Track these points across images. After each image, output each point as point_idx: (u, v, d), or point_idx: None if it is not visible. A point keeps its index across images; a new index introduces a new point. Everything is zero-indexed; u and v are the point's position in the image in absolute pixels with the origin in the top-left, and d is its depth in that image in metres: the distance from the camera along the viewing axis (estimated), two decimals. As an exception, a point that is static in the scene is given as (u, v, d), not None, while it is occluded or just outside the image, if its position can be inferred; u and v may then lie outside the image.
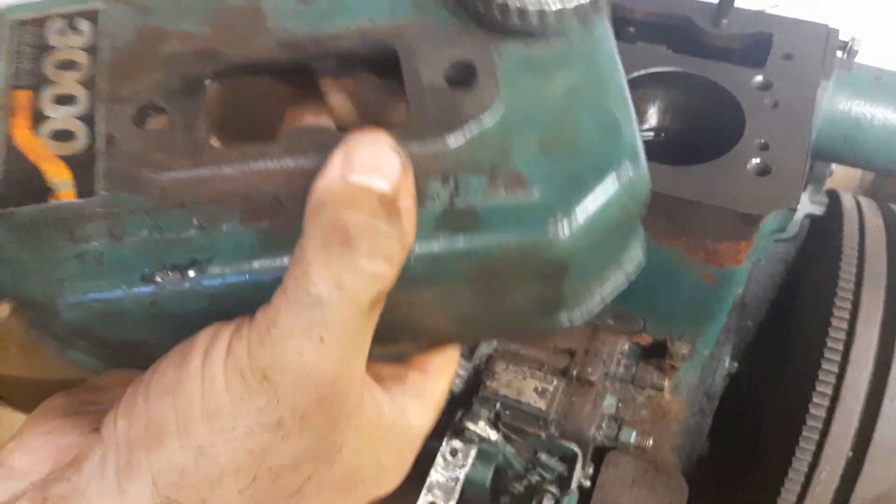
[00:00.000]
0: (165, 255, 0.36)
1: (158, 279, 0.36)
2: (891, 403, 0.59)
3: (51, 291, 0.36)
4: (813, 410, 0.60)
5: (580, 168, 0.36)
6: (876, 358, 0.61)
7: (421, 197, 0.36)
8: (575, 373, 0.59)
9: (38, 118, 0.39)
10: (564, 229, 0.35)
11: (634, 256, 0.44)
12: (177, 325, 0.37)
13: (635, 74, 0.62)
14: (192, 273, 0.36)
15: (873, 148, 0.61)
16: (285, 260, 0.34)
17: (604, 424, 0.59)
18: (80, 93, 0.40)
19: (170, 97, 0.38)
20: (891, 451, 0.59)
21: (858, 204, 0.71)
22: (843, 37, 0.65)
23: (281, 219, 0.35)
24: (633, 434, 0.59)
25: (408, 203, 0.35)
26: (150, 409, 0.35)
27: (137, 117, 0.38)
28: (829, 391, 0.60)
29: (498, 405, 0.58)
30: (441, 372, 0.44)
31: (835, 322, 0.62)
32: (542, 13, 0.37)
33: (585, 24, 0.39)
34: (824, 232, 0.71)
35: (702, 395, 0.71)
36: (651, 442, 0.60)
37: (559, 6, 0.37)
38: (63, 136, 0.38)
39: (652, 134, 0.64)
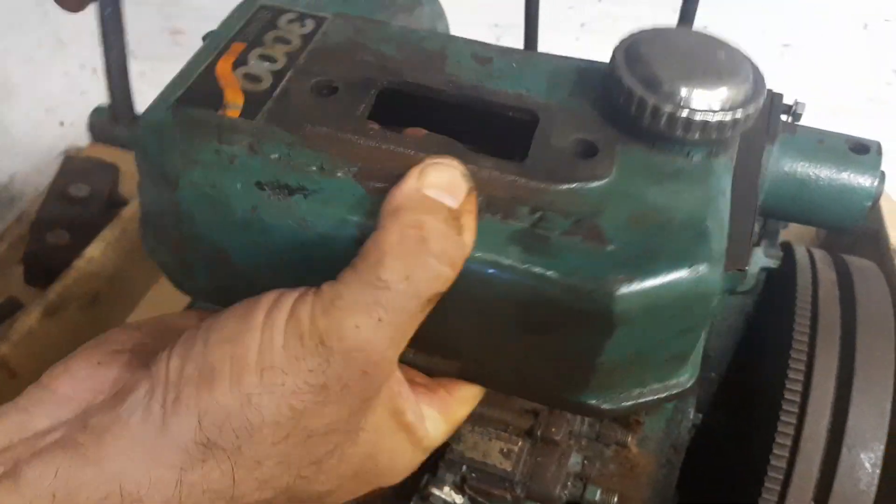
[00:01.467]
0: (282, 176, 0.42)
1: (267, 190, 0.41)
2: (849, 452, 0.60)
3: (183, 167, 0.43)
4: (773, 461, 0.61)
5: (659, 249, 0.39)
6: (833, 408, 0.62)
7: (505, 213, 0.40)
8: (539, 433, 0.60)
9: (240, 62, 0.49)
10: (623, 286, 0.38)
11: (681, 383, 0.47)
12: (262, 240, 0.42)
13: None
14: (295, 197, 0.41)
15: (819, 206, 0.64)
16: (370, 223, 0.39)
17: (569, 483, 0.60)
18: (282, 59, 0.49)
19: (347, 85, 0.47)
20: (850, 500, 0.60)
21: (812, 256, 0.73)
22: (786, 100, 0.68)
23: (387, 190, 0.40)
24: (598, 492, 0.60)
25: (469, 221, 0.39)
26: (207, 353, 0.37)
27: (315, 86, 0.47)
28: (789, 442, 0.61)
29: (464, 468, 0.58)
30: (465, 400, 0.48)
31: (791, 374, 0.63)
32: (688, 121, 0.41)
33: (710, 153, 0.43)
34: (780, 284, 0.73)
35: (668, 448, 0.72)
36: (616, 499, 0.61)
37: (707, 119, 0.41)
38: (252, 78, 0.48)
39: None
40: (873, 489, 0.58)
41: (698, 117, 0.40)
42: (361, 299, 0.36)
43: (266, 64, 0.49)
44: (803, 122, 0.67)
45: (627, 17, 1.28)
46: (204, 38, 0.64)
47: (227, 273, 0.46)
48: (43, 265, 1.07)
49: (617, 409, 0.45)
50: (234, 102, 0.46)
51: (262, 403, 0.36)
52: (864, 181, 0.62)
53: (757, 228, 0.76)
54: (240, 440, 0.36)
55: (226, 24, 0.54)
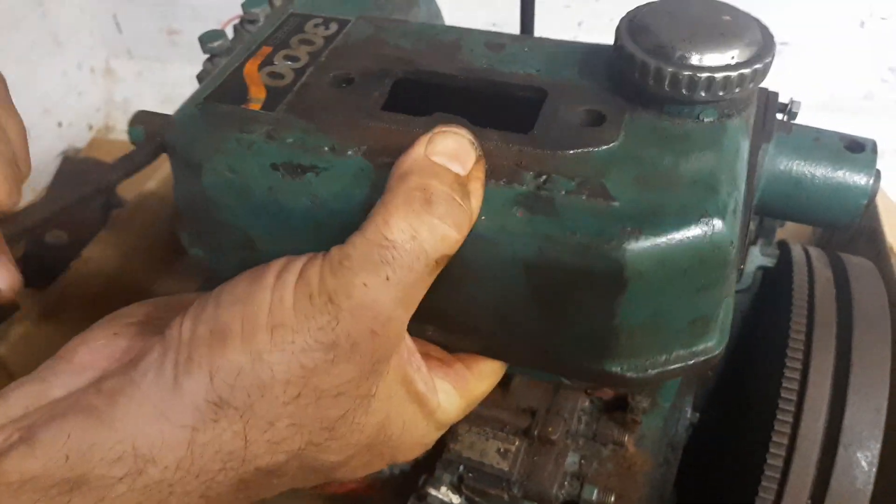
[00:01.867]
0: (295, 157, 0.44)
1: (282, 170, 0.43)
2: (845, 451, 0.61)
3: (207, 154, 0.45)
4: (770, 460, 0.61)
5: (666, 205, 0.39)
6: (829, 406, 0.62)
7: (510, 178, 0.41)
8: (536, 432, 0.60)
9: (266, 63, 0.52)
10: (630, 241, 0.38)
11: (708, 349, 0.46)
12: (280, 220, 0.44)
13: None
14: (308, 175, 0.43)
15: (815, 205, 0.64)
16: (378, 196, 0.39)
17: (566, 483, 0.60)
18: (304, 58, 0.52)
19: (364, 76, 0.49)
20: (847, 499, 0.60)
21: (808, 255, 0.73)
22: (782, 98, 0.68)
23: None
24: (595, 491, 0.60)
25: (477, 188, 0.40)
26: (218, 315, 0.38)
27: (333, 80, 0.50)
28: (785, 441, 0.61)
29: (461, 468, 0.59)
30: (485, 375, 0.48)
31: (788, 372, 0.63)
32: (691, 79, 0.41)
33: (722, 114, 0.43)
34: (776, 283, 0.73)
35: (666, 447, 0.72)
36: (613, 498, 0.61)
37: (712, 76, 0.41)
38: (275, 76, 0.50)
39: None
40: (870, 488, 0.58)
41: (702, 75, 0.40)
42: (369, 258, 0.36)
43: (289, 63, 0.51)
44: (799, 120, 0.67)
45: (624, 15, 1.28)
46: (200, 39, 0.64)
47: (254, 259, 0.46)
48: (41, 266, 1.07)
49: (643, 377, 0.45)
50: (257, 97, 0.49)
51: (273, 361, 0.36)
52: (860, 179, 0.62)
53: (753, 227, 0.76)
54: (251, 399, 0.36)
55: (259, 31, 0.58)
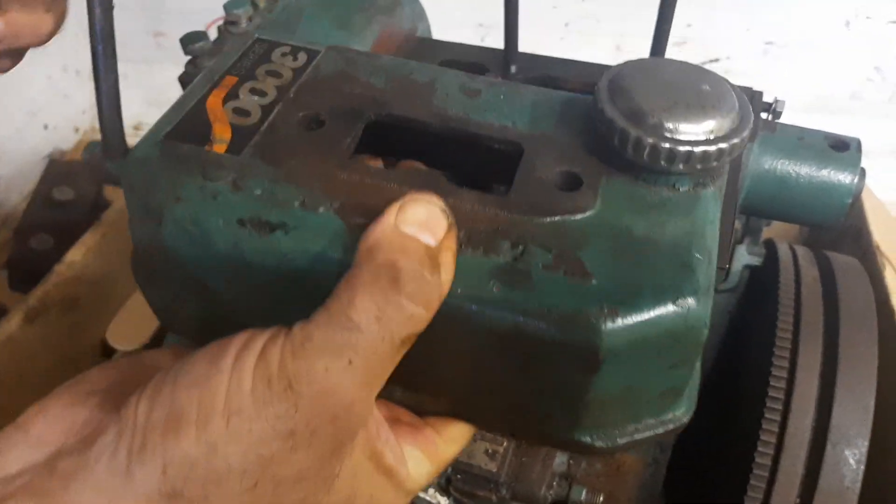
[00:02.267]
0: (263, 213, 0.42)
1: (248, 226, 0.41)
2: (833, 449, 0.61)
3: (167, 203, 0.43)
4: (758, 459, 0.61)
5: (643, 282, 0.38)
6: (817, 405, 0.62)
7: (487, 247, 0.40)
8: (524, 433, 0.60)
9: (231, 96, 0.49)
10: (608, 320, 0.37)
11: (677, 417, 0.47)
12: (245, 276, 0.42)
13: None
14: (276, 233, 0.41)
15: (800, 204, 0.64)
16: (351, 259, 0.38)
17: (554, 483, 0.60)
18: (272, 93, 0.49)
19: (334, 118, 0.47)
20: (835, 497, 0.60)
21: (794, 253, 0.73)
22: (766, 98, 0.68)
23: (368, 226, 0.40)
24: (584, 492, 0.60)
25: (448, 260, 0.39)
26: (175, 398, 0.36)
27: (302, 120, 0.47)
28: (773, 439, 0.61)
29: (449, 469, 0.58)
30: (454, 439, 0.47)
31: (775, 371, 0.63)
32: (671, 152, 0.41)
33: (697, 183, 0.43)
34: (763, 282, 0.73)
35: (654, 447, 0.72)
36: (601, 498, 0.61)
37: (686, 149, 0.41)
38: (242, 112, 0.48)
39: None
40: (858, 486, 0.58)
41: (682, 148, 0.40)
42: (331, 341, 0.35)
43: (256, 98, 0.49)
44: (784, 119, 0.67)
45: (611, 16, 1.28)
46: (181, 41, 0.64)
47: (213, 310, 0.45)
48: (27, 270, 1.07)
49: (612, 446, 0.45)
50: (222, 137, 0.46)
51: (229, 452, 0.35)
52: (845, 178, 0.62)
53: (739, 226, 0.76)
54: (206, 490, 0.35)
55: (222, 57, 0.54)
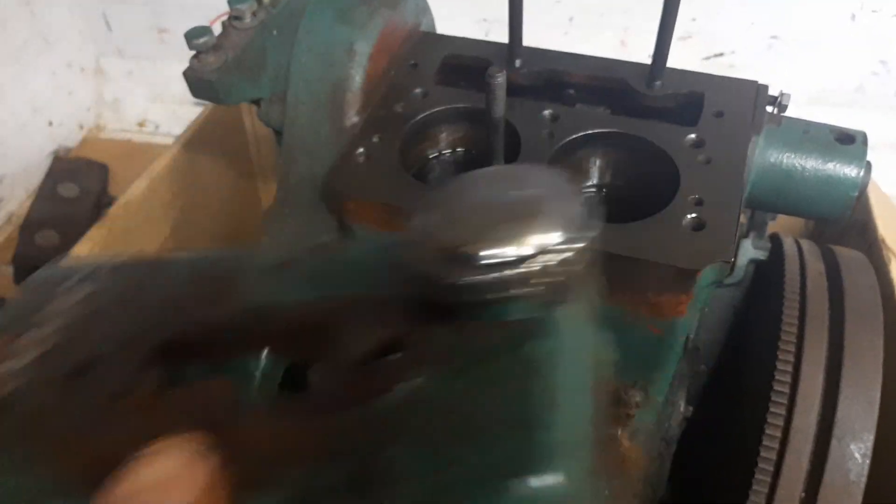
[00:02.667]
0: None
1: None
2: (839, 443, 0.60)
3: None
4: (764, 453, 0.61)
5: (469, 474, 0.31)
6: (822, 399, 0.62)
7: (270, 484, 0.32)
8: (529, 428, 0.60)
9: None
10: None
11: None
12: None
13: (576, 135, 0.64)
14: None
15: (805, 197, 0.64)
16: None
17: (559, 477, 0.60)
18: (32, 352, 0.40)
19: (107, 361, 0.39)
20: (841, 491, 0.60)
21: (800, 248, 0.73)
22: (772, 91, 0.68)
23: None
24: (588, 486, 0.60)
25: None
26: None
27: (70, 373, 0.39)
28: (779, 434, 0.61)
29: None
30: None
31: (780, 365, 0.63)
32: (480, 285, 0.33)
33: (543, 310, 0.35)
34: (768, 276, 0.73)
35: (659, 441, 0.72)
36: (606, 492, 0.61)
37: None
38: None
39: (593, 191, 0.67)
40: (863, 480, 0.58)
41: (490, 275, 0.33)
42: None
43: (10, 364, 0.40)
44: (790, 113, 0.67)
45: (615, 10, 1.28)
46: (186, 36, 0.64)
47: None
48: (33, 266, 1.07)
49: None
50: None
51: None
52: (850, 171, 0.62)
53: (744, 220, 0.76)
54: None
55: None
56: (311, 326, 0.38)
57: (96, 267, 0.45)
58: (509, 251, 0.33)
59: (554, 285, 0.34)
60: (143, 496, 0.30)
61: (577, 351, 0.34)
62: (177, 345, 0.39)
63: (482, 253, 0.33)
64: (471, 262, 0.33)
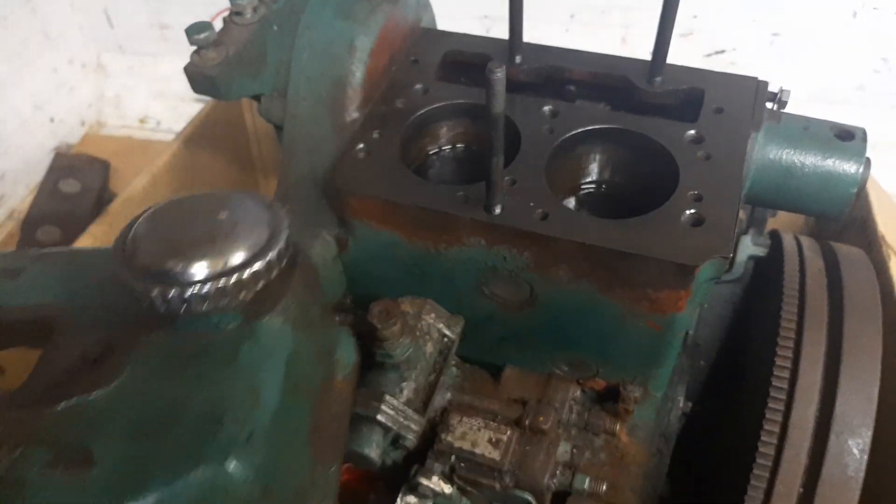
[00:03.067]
0: None
1: None
2: (836, 439, 0.61)
3: None
4: (762, 448, 0.61)
5: (157, 459, 0.34)
6: (820, 394, 0.62)
7: None
8: (528, 422, 0.60)
9: None
10: None
11: None
12: None
13: (576, 131, 0.64)
14: None
15: (805, 194, 0.64)
16: None
17: (558, 472, 0.60)
18: None
19: None
20: (839, 486, 0.60)
21: (799, 244, 0.73)
22: (772, 88, 0.68)
23: None
24: (587, 480, 0.60)
25: None
26: None
27: None
28: (777, 429, 0.61)
29: (453, 458, 0.58)
30: None
31: (779, 361, 0.63)
32: (181, 298, 0.37)
33: (246, 317, 0.39)
34: (768, 273, 0.73)
35: (658, 437, 0.72)
36: (605, 487, 0.61)
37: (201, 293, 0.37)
38: None
39: (593, 187, 0.67)
40: (861, 475, 0.58)
41: (192, 291, 0.36)
42: None
43: None
44: (791, 110, 0.67)
45: (616, 6, 1.28)
46: (186, 32, 0.64)
47: None
48: (33, 262, 1.07)
49: None
50: None
51: None
52: (850, 168, 0.62)
53: (744, 217, 0.76)
54: None
55: None
56: (34, 328, 0.41)
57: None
58: (211, 266, 0.37)
59: (252, 297, 0.38)
60: None
61: (277, 354, 0.38)
62: None
63: (186, 268, 0.37)
64: (176, 277, 0.37)
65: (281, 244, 0.39)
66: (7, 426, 0.36)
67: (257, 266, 0.38)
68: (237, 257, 0.38)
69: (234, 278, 0.37)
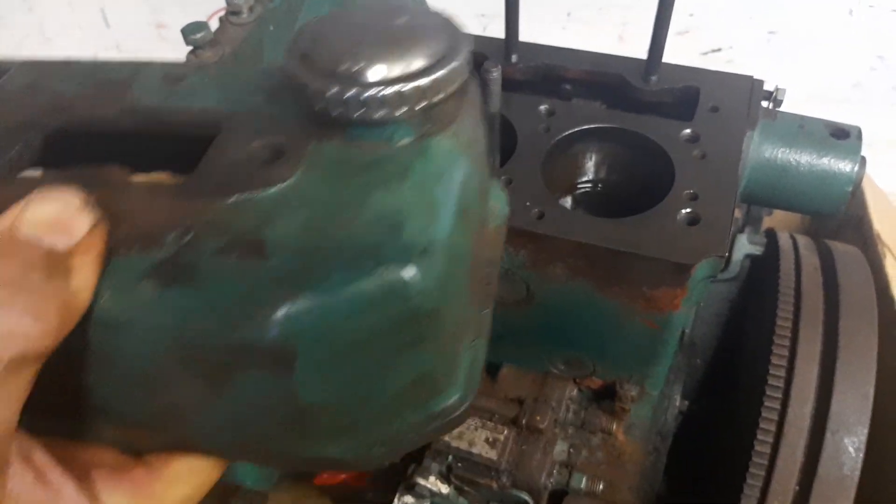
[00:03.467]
0: None
1: None
2: (833, 437, 0.61)
3: None
4: (758, 447, 0.62)
5: (333, 255, 0.32)
6: (816, 393, 0.63)
7: (147, 243, 0.34)
8: (524, 421, 0.60)
9: None
10: (285, 307, 0.31)
11: (449, 408, 0.40)
12: None
13: (572, 130, 0.64)
14: None
15: (800, 192, 0.64)
16: None
17: (555, 471, 0.60)
18: None
19: (5, 135, 0.41)
20: (834, 484, 0.60)
21: (795, 242, 0.73)
22: (768, 86, 0.68)
23: None
24: (584, 479, 0.60)
25: (87, 262, 0.32)
26: None
27: None
28: (773, 427, 0.62)
29: (450, 457, 0.59)
30: (179, 477, 0.39)
31: (775, 359, 0.64)
32: (358, 99, 0.35)
33: (421, 133, 0.37)
34: (764, 271, 0.73)
35: (655, 435, 0.72)
36: (601, 486, 0.61)
37: (386, 95, 0.35)
38: None
39: (589, 186, 0.67)
40: (857, 473, 0.59)
41: (369, 92, 0.35)
42: None
43: None
44: (787, 108, 0.67)
45: (614, 4, 1.28)
46: (182, 32, 0.64)
47: None
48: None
49: (370, 456, 0.39)
50: None
51: None
52: (845, 166, 0.62)
53: (740, 215, 0.76)
54: None
55: None
56: (200, 132, 0.40)
57: (9, 62, 0.47)
58: (390, 70, 0.35)
59: (431, 110, 0.36)
60: (24, 229, 0.32)
61: (449, 175, 0.36)
62: (60, 138, 0.41)
63: (364, 70, 0.35)
64: (354, 78, 0.35)
65: (463, 55, 0.36)
66: (176, 213, 0.35)
67: (439, 73, 0.35)
68: (418, 63, 0.36)
69: (414, 83, 0.35)
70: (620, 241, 0.55)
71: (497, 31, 0.72)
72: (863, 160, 0.62)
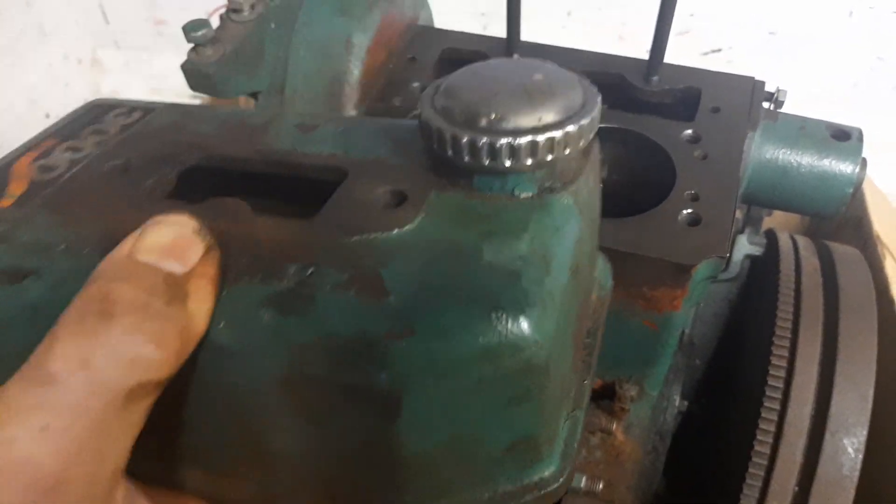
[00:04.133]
0: (21, 260, 0.37)
1: (2, 276, 0.36)
2: (832, 438, 0.61)
3: None
4: (757, 447, 0.61)
5: (451, 297, 0.32)
6: (816, 394, 0.62)
7: (269, 273, 0.34)
8: (524, 421, 0.60)
9: (42, 156, 0.48)
10: (401, 345, 0.31)
11: (545, 480, 0.39)
12: (4, 339, 0.36)
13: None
14: (27, 280, 0.36)
15: (801, 193, 0.64)
16: None
17: (554, 471, 0.60)
18: (89, 148, 0.48)
19: (143, 165, 0.43)
20: (834, 485, 0.60)
21: (795, 243, 0.73)
22: (769, 87, 0.68)
23: None
24: (583, 479, 0.60)
25: (202, 287, 0.32)
26: None
27: (108, 171, 0.43)
28: (772, 428, 0.62)
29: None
30: None
31: (774, 360, 0.64)
32: (490, 146, 0.36)
33: (542, 188, 0.38)
34: (763, 272, 0.74)
35: (654, 435, 0.72)
36: (601, 486, 0.61)
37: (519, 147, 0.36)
38: (46, 169, 0.46)
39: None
40: (856, 474, 0.59)
41: (502, 140, 0.35)
42: (21, 402, 0.27)
43: (69, 154, 0.46)
44: (787, 110, 0.68)
45: (614, 4, 1.28)
46: (184, 29, 0.64)
47: None
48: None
49: None
50: (13, 193, 0.43)
51: None
52: (846, 168, 0.62)
53: (740, 216, 0.76)
54: None
55: (55, 123, 0.53)
56: (327, 176, 0.41)
57: (149, 104, 0.52)
58: (521, 120, 0.36)
59: (556, 165, 0.37)
60: (143, 255, 0.32)
61: (566, 232, 0.37)
62: (194, 173, 0.43)
63: (499, 120, 0.36)
64: (489, 127, 0.36)
65: (595, 112, 0.37)
66: (299, 247, 0.35)
67: (570, 128, 0.36)
68: (550, 116, 0.36)
69: (546, 135, 0.36)
70: (621, 241, 0.55)
71: (497, 30, 0.72)
72: (863, 162, 0.62)
